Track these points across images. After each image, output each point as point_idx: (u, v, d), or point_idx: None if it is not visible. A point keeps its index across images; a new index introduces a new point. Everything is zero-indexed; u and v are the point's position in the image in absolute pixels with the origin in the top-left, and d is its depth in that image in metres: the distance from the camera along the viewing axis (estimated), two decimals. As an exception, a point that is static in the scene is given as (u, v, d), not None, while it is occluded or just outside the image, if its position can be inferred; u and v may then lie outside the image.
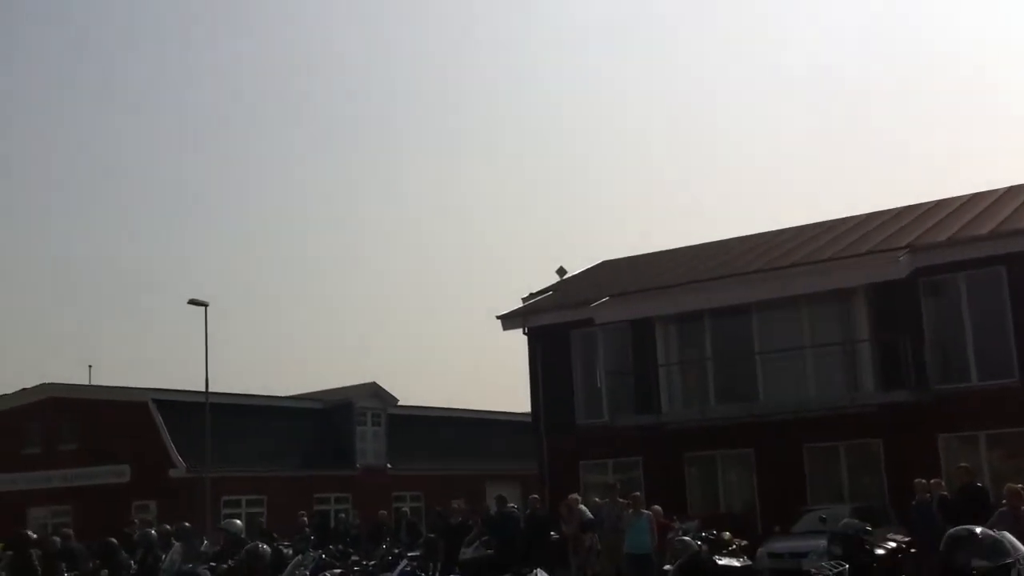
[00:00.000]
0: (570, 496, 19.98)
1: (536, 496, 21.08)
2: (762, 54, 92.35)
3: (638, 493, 17.94)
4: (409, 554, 17.84)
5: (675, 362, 25.23)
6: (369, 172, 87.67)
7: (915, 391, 21.80)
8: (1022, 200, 24.44)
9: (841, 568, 11.73)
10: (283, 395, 36.53)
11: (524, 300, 29.65)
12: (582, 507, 19.40)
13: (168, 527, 19.52)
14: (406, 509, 29.02)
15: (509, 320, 28.44)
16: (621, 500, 19.08)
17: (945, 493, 16.90)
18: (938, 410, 21.54)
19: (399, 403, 36.35)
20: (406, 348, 76.33)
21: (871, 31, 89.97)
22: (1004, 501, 14.61)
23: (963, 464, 17.72)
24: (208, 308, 29.73)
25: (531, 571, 14.24)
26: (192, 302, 29.57)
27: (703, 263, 28.25)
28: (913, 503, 17.07)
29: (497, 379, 76.96)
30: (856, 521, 16.61)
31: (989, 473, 20.24)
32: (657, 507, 18.29)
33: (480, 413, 39.10)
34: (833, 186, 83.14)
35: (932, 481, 17.16)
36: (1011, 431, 21.06)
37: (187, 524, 17.61)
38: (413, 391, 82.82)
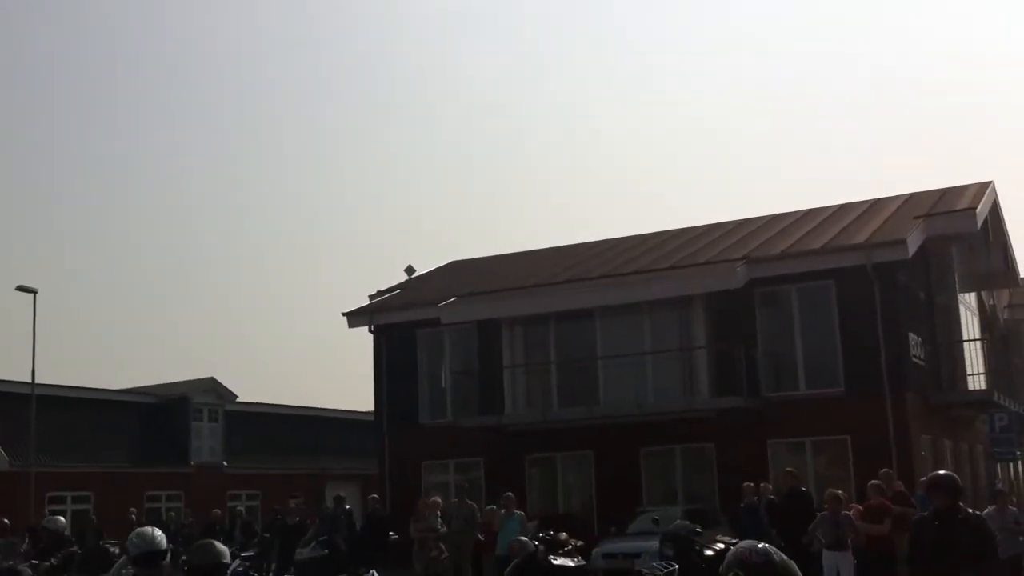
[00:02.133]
0: (432, 499, 19.84)
1: (376, 496, 20.91)
2: (627, 58, 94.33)
3: (510, 494, 17.95)
4: (243, 554, 17.45)
5: (520, 364, 25.45)
6: (216, 162, 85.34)
7: (747, 398, 22.60)
8: (853, 217, 25.67)
9: (671, 568, 12.05)
10: (116, 388, 35.13)
11: (371, 298, 29.41)
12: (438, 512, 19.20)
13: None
14: (241, 508, 28.33)
15: (355, 317, 28.16)
16: (469, 501, 19.15)
17: (772, 497, 17.56)
18: (768, 416, 22.38)
19: (238, 399, 35.49)
20: (248, 343, 74.63)
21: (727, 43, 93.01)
22: (825, 505, 15.32)
23: (789, 469, 18.46)
24: (37, 296, 28.37)
25: (367, 572, 14.11)
26: (20, 288, 28.15)
27: (550, 267, 28.61)
28: (742, 505, 17.68)
29: (341, 377, 76.10)
30: (687, 523, 17.14)
31: (814, 478, 21.13)
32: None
33: (322, 411, 38.55)
34: (690, 197, 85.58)
35: (760, 485, 17.81)
36: (835, 438, 22.06)
37: (6, 521, 16.70)
38: (254, 387, 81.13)
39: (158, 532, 5.60)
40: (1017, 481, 27.80)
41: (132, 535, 5.60)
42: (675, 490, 23.46)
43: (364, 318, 28.07)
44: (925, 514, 8.99)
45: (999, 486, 17.58)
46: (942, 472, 9.44)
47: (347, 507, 19.61)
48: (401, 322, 27.39)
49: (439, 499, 19.71)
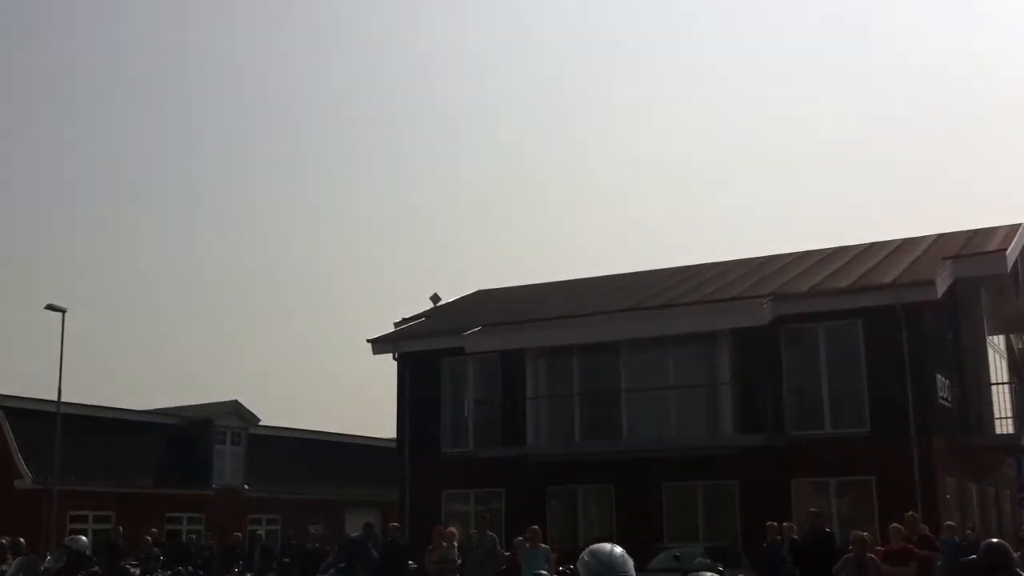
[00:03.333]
0: (448, 529, 19.77)
1: (396, 524, 20.88)
2: (653, 88, 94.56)
3: (536, 527, 17.84)
4: (262, 578, 17.46)
5: (543, 395, 25.43)
6: (240, 184, 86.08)
7: (771, 435, 22.46)
8: (881, 257, 25.56)
9: (692, 606, 11.93)
10: (139, 409, 35.34)
11: (396, 325, 29.50)
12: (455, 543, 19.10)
13: (4, 541, 18.57)
14: (261, 532, 28.36)
15: (379, 344, 28.24)
16: (490, 532, 19.07)
17: (795, 536, 17.40)
18: (792, 455, 22.22)
19: (261, 423, 35.59)
20: (273, 368, 74.90)
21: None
22: (850, 547, 15.17)
23: (813, 509, 18.29)
24: (65, 315, 28.63)
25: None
26: (49, 307, 28.43)
27: (576, 299, 28.62)
28: (764, 545, 17.53)
29: (364, 404, 76.18)
30: (708, 561, 17.04)
31: (837, 518, 20.95)
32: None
33: (344, 437, 38.57)
34: (719, 233, 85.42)
35: (783, 525, 17.65)
36: (860, 479, 21.86)
37: (21, 540, 16.76)
38: (277, 412, 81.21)
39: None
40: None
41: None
42: (696, 527, 23.28)
43: (388, 345, 28.15)
44: (972, 559, 8.90)
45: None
46: (994, 541, 9.29)
47: (375, 534, 19.54)
48: (425, 350, 27.44)
49: (455, 530, 19.63)
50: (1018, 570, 8.60)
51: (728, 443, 22.88)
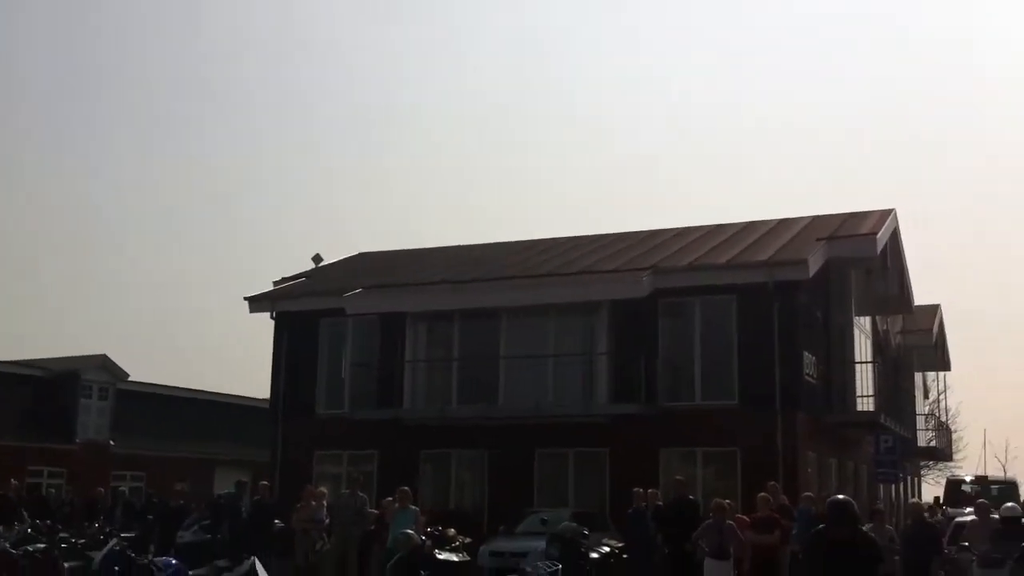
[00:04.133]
0: (318, 489, 19.56)
1: (265, 483, 20.55)
2: (556, 69, 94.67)
3: (406, 488, 17.71)
4: (123, 535, 16.99)
5: (422, 359, 25.32)
6: (124, 131, 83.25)
7: (644, 405, 22.81)
8: (758, 236, 26.12)
9: (555, 569, 12.06)
10: (2, 360, 33.94)
11: (275, 284, 28.97)
12: (324, 502, 18.88)
13: None
14: (125, 489, 27.61)
15: (257, 303, 27.71)
16: (360, 493, 18.92)
17: (660, 503, 17.72)
18: (663, 425, 22.60)
19: (130, 378, 34.59)
20: (145, 322, 72.94)
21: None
22: (711, 514, 15.55)
23: (678, 477, 18.67)
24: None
25: (248, 558, 13.84)
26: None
27: (460, 264, 28.55)
28: (629, 511, 17.80)
29: (238, 362, 74.88)
30: (575, 525, 17.23)
31: (702, 487, 21.41)
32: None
33: (216, 395, 37.70)
34: (604, 206, 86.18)
35: (649, 491, 17.95)
36: (725, 450, 22.41)
37: None
38: (148, 368, 79.22)
39: None
40: (897, 502, 28.58)
41: None
42: (567, 493, 23.55)
43: (266, 304, 27.65)
44: (821, 528, 9.23)
45: (878, 505, 18.05)
46: (840, 499, 9.66)
47: (255, 497, 19.04)
48: (304, 310, 27.05)
49: (325, 490, 19.48)
50: (861, 527, 8.94)
51: (602, 412, 23.15)
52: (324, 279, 28.95)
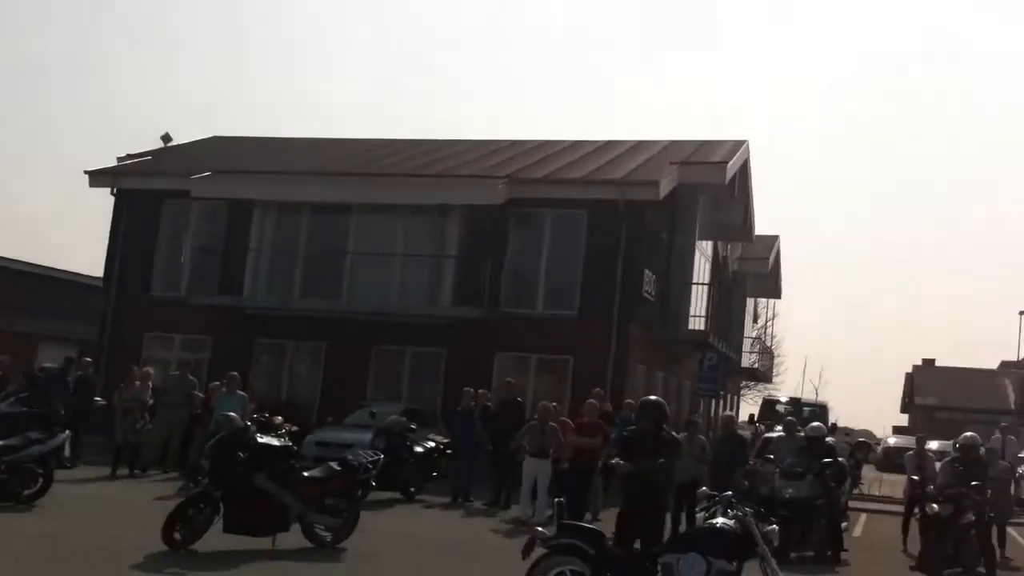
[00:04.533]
0: (144, 370, 19.14)
1: (88, 359, 19.98)
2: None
3: (235, 373, 17.51)
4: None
5: (267, 249, 24.83)
6: None
7: (485, 310, 23.05)
8: (615, 155, 26.46)
9: (376, 458, 12.18)
10: None
11: (119, 160, 27.86)
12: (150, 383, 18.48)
13: None
14: (-62, 361, 26.36)
15: (98, 177, 26.67)
16: (190, 376, 18.65)
17: (488, 404, 18.07)
18: (501, 331, 22.92)
19: (-45, 244, 32.85)
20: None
21: None
22: (536, 415, 15.97)
23: (508, 379, 19.02)
24: None
25: (62, 431, 13.55)
26: None
27: (315, 156, 28.01)
28: (458, 409, 18.08)
29: (72, 235, 72.17)
30: (402, 419, 17.44)
31: (534, 392, 21.84)
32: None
33: (44, 269, 36.03)
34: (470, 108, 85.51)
35: (479, 391, 18.24)
36: (559, 358, 22.95)
37: None
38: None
39: None
40: (716, 418, 29.82)
41: None
42: (401, 391, 23.74)
43: (108, 179, 26.66)
44: (633, 428, 9.72)
45: (694, 417, 18.84)
46: (652, 398, 10.15)
47: (78, 372, 18.43)
48: (148, 189, 26.24)
49: (151, 370, 19.09)
50: (665, 426, 9.41)
51: (444, 314, 23.31)
52: (172, 159, 27.98)
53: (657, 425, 9.30)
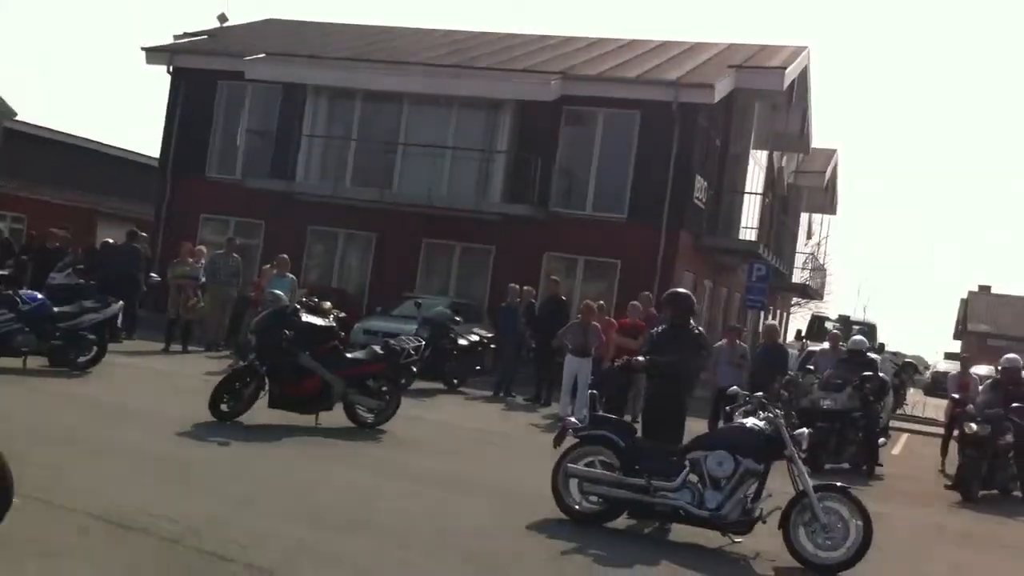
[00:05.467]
0: (196, 247, 19.45)
1: (145, 234, 20.26)
2: None
3: (285, 256, 17.80)
4: (-5, 270, 16.75)
5: (319, 135, 24.93)
6: None
7: (535, 208, 23.06)
8: (671, 56, 25.98)
9: (418, 344, 12.39)
10: None
11: (176, 38, 27.92)
12: (202, 261, 18.78)
13: None
14: (3, 228, 27.04)
15: (154, 55, 26.75)
16: (235, 255, 18.91)
17: (534, 301, 18.21)
18: (551, 230, 22.96)
19: (17, 117, 33.27)
20: (37, 62, 69.69)
21: None
22: (579, 315, 16.10)
23: (553, 277, 19.10)
24: None
25: (115, 302, 13.88)
26: None
27: (370, 44, 27.82)
28: (503, 304, 18.26)
29: (130, 115, 72.63)
30: (447, 311, 17.66)
31: (581, 295, 21.93)
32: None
33: (105, 147, 36.56)
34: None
35: (524, 288, 18.37)
36: (607, 260, 22.98)
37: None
38: (36, 109, 76.43)
39: None
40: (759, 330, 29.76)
41: None
42: (449, 284, 23.97)
43: (164, 57, 26.70)
44: (663, 326, 9.73)
45: (736, 324, 18.80)
46: (680, 290, 10.15)
47: (137, 246, 18.60)
48: (203, 69, 26.25)
49: (204, 248, 19.37)
50: (693, 320, 9.45)
51: (494, 210, 23.35)
52: (228, 40, 27.95)
53: (683, 318, 9.26)
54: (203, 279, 18.00)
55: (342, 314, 16.16)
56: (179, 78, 26.40)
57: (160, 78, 26.66)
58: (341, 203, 24.14)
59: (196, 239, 24.05)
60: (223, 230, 25.34)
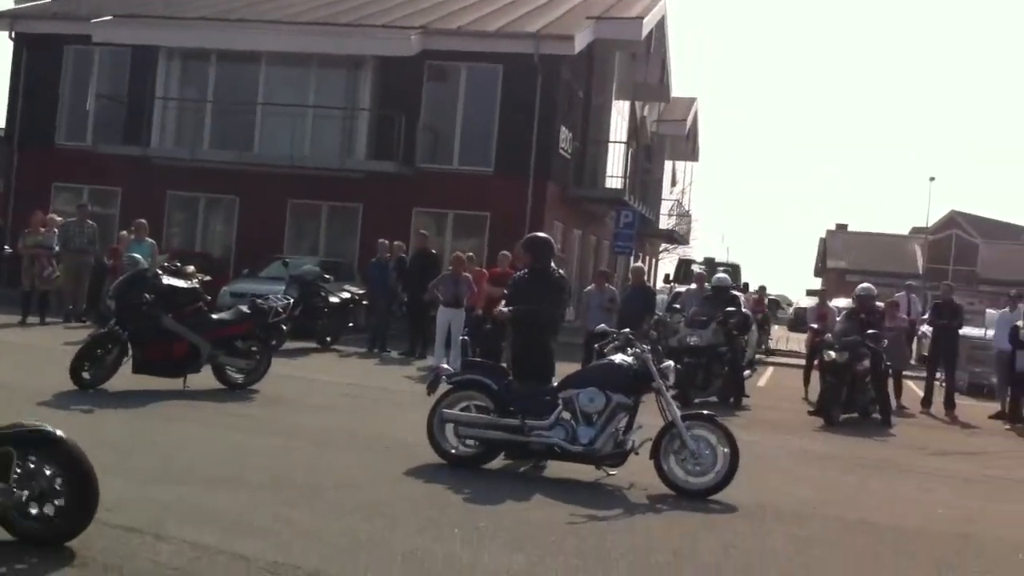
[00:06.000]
0: (48, 216, 18.72)
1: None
2: None
3: (143, 220, 17.26)
4: None
5: (173, 97, 24.17)
6: None
7: (401, 165, 22.89)
8: (530, 8, 26.00)
9: (287, 302, 12.21)
10: None
11: (17, 2, 26.65)
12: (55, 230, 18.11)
13: None
14: None
15: (-6, 19, 25.44)
16: (90, 222, 18.27)
17: (404, 256, 18.12)
18: (418, 186, 22.87)
19: None
20: None
21: None
22: (450, 267, 16.09)
23: (422, 231, 19.03)
24: None
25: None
26: None
27: (224, 3, 27.01)
28: (373, 260, 18.11)
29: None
30: (316, 269, 17.45)
31: (450, 247, 21.92)
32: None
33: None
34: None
35: (394, 243, 18.24)
36: (476, 214, 23.05)
37: None
38: None
39: None
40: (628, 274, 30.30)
41: None
42: (318, 245, 23.68)
43: (5, 23, 25.53)
44: (525, 271, 9.80)
45: (604, 268, 19.10)
46: (539, 234, 10.25)
47: None
48: (48, 34, 25.19)
49: (56, 216, 18.67)
50: (553, 264, 9.57)
51: (359, 168, 23.12)
52: (73, 2, 26.76)
53: (543, 262, 9.38)
54: (56, 248, 17.34)
55: (206, 277, 15.76)
56: (21, 44, 25.32)
57: (1, 44, 25.40)
58: (200, 167, 23.52)
59: (49, 210, 23.10)
60: (77, 199, 24.31)
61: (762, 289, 25.77)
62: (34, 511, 5.03)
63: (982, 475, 10.47)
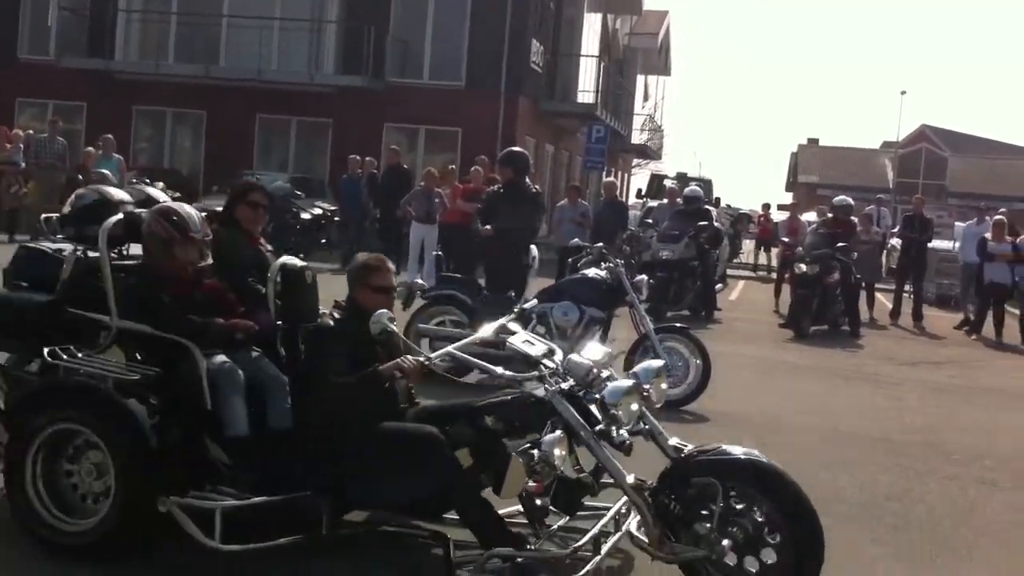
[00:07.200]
0: (13, 131, 18.37)
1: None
2: None
3: (110, 136, 16.99)
4: None
5: (137, 9, 23.61)
6: None
7: (371, 79, 22.55)
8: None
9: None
10: None
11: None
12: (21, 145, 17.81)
13: None
14: None
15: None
16: (60, 137, 17.97)
17: (375, 171, 17.98)
18: (388, 100, 22.55)
19: None
20: None
21: None
22: (422, 182, 15.98)
23: (393, 147, 18.86)
24: None
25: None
26: None
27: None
28: (344, 176, 17.96)
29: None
30: (287, 186, 17.33)
31: (422, 163, 21.74)
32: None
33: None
34: None
35: (365, 159, 18.09)
36: (448, 129, 22.82)
37: None
38: None
39: None
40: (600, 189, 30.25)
41: None
42: (287, 161, 23.42)
43: (-44, -69, 24.56)
44: (499, 186, 9.79)
45: (575, 183, 19.05)
46: (515, 148, 10.21)
47: None
48: (3, -56, 24.31)
49: (21, 132, 18.33)
50: (528, 179, 9.57)
51: (328, 82, 22.74)
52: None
53: (520, 176, 9.38)
54: (23, 164, 17.06)
55: (176, 195, 15.62)
56: (-24, -47, 24.43)
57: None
58: (165, 81, 23.08)
59: (13, 126, 22.68)
60: (42, 115, 23.88)
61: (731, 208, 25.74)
62: (753, 569, 3.81)
63: (949, 383, 10.69)
